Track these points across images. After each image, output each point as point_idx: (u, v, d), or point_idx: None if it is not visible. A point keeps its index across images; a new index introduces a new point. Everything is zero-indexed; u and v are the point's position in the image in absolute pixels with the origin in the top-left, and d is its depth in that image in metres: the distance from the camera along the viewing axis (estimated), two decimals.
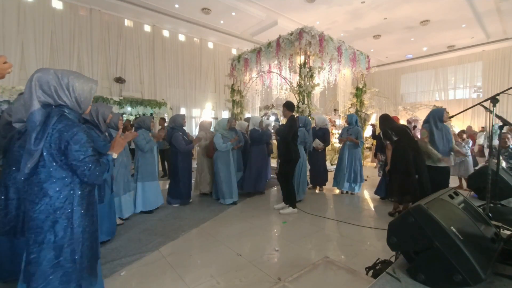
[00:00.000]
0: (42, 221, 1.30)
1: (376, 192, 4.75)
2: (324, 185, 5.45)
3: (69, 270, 1.34)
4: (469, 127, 7.52)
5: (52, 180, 1.32)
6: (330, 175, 5.57)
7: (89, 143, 1.38)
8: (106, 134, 2.84)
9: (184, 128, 4.47)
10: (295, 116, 4.17)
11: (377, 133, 4.76)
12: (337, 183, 5.13)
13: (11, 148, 2.05)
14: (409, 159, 3.49)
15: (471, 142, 5.88)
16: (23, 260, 1.35)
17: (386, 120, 4.01)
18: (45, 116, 1.31)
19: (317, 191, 5.44)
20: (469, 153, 5.66)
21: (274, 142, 6.41)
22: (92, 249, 1.47)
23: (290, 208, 4.04)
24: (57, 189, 1.33)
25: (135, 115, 9.12)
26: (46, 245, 1.30)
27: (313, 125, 5.49)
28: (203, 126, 5.00)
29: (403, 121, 10.63)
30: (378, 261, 1.85)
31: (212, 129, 5.37)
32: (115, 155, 1.56)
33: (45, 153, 1.30)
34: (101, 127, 2.70)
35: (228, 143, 4.35)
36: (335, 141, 8.49)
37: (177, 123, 4.33)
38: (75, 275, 1.36)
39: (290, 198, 4.06)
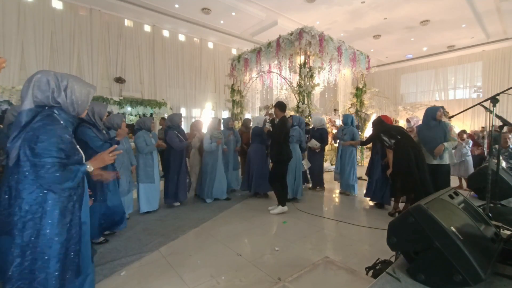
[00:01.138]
0: (15, 222, 1.29)
1: (366, 195, 4.52)
2: (321, 185, 5.45)
3: (39, 275, 1.29)
4: (483, 129, 7.37)
5: (26, 181, 1.30)
6: (327, 176, 5.57)
7: (59, 145, 1.30)
8: (104, 132, 2.83)
9: (182, 127, 4.49)
10: (287, 117, 4.16)
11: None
12: (340, 184, 5.15)
13: None
14: (411, 158, 3.49)
15: (471, 142, 5.88)
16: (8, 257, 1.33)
17: (379, 124, 3.96)
18: (32, 116, 1.31)
19: (316, 190, 5.44)
20: (469, 153, 5.66)
21: None
22: (62, 260, 1.36)
23: (280, 206, 3.99)
24: (29, 191, 1.29)
25: (135, 115, 9.13)
26: (20, 249, 1.28)
27: (311, 125, 5.50)
28: (195, 127, 4.99)
29: (402, 121, 10.63)
30: (378, 261, 1.85)
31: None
32: (90, 168, 1.45)
33: (22, 153, 1.28)
34: (99, 125, 2.69)
35: (213, 144, 4.43)
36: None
37: (174, 122, 4.37)
38: (46, 280, 1.29)
39: (281, 196, 4.04)
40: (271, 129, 4.15)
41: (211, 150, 4.46)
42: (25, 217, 1.27)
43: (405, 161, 3.53)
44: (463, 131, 6.11)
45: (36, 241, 1.28)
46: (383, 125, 3.92)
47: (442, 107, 3.86)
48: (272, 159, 4.11)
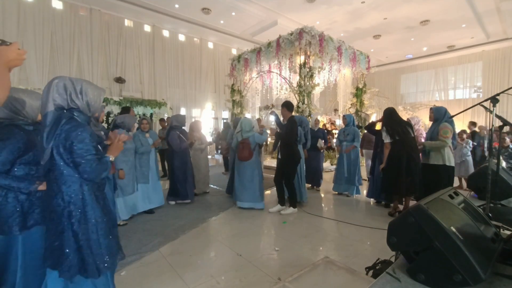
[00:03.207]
0: (60, 213, 1.45)
1: (368, 195, 4.58)
2: (319, 185, 5.45)
3: (87, 254, 1.48)
4: (481, 127, 7.21)
5: (63, 177, 1.46)
6: (328, 175, 5.58)
7: (92, 142, 1.48)
8: (102, 133, 2.83)
9: (184, 128, 4.49)
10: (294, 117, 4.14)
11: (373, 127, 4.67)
12: (337, 186, 5.13)
13: None
14: (403, 161, 3.54)
15: (471, 142, 5.86)
16: (47, 247, 1.50)
17: (388, 116, 3.89)
18: (56, 118, 1.45)
19: (315, 189, 5.44)
20: (469, 153, 5.64)
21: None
22: (108, 236, 1.56)
23: (291, 208, 4.03)
24: (68, 185, 1.46)
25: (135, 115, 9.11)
26: (66, 234, 1.45)
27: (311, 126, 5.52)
28: (196, 127, 4.97)
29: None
30: (378, 261, 1.85)
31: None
32: (112, 158, 1.63)
33: (55, 152, 1.43)
34: (97, 125, 2.67)
35: (265, 132, 4.30)
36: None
37: (179, 123, 4.38)
38: (92, 258, 1.48)
39: (291, 198, 4.05)
40: (277, 130, 4.14)
41: (265, 138, 4.34)
42: (69, 207, 1.45)
43: (396, 162, 3.57)
44: (463, 131, 6.10)
45: (85, 225, 1.48)
46: (392, 120, 3.84)
47: (434, 108, 3.91)
48: (283, 160, 4.02)
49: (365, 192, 5.02)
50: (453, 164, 3.67)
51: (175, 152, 4.26)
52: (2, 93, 0.92)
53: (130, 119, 3.49)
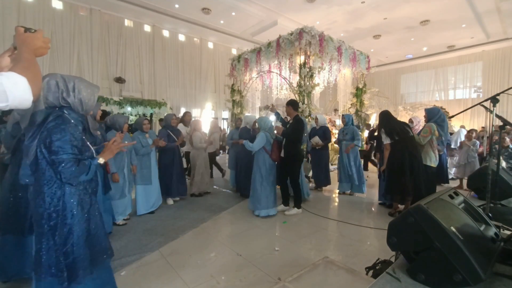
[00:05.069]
0: (41, 215, 1.40)
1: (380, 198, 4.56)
2: (326, 186, 5.43)
3: (67, 259, 1.42)
4: (483, 129, 7.15)
5: (44, 177, 1.40)
6: (332, 176, 5.57)
7: (72, 142, 1.40)
8: (99, 132, 2.81)
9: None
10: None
11: (375, 134, 4.71)
12: (340, 185, 5.13)
13: (20, 147, 2.06)
14: (405, 161, 3.52)
15: (478, 143, 5.79)
16: (34, 252, 1.45)
17: (385, 118, 3.90)
18: (45, 116, 1.40)
19: (318, 190, 5.44)
20: (476, 155, 5.58)
21: None
22: (92, 242, 1.51)
23: (295, 208, 4.00)
24: (48, 185, 1.40)
25: (135, 115, 9.13)
26: (45, 238, 1.40)
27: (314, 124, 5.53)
28: (197, 126, 4.94)
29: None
30: (378, 261, 1.85)
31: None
32: (101, 160, 1.55)
33: (38, 152, 1.38)
34: (90, 125, 2.65)
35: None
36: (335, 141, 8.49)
37: (167, 122, 4.49)
38: (74, 263, 1.43)
39: (297, 198, 4.01)
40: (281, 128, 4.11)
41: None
42: (49, 209, 1.39)
43: (399, 163, 3.56)
44: (473, 130, 5.94)
45: (62, 230, 1.41)
46: (389, 121, 3.84)
47: (434, 108, 3.97)
48: (289, 159, 3.91)
49: (364, 190, 5.02)
50: (429, 164, 3.83)
51: (162, 152, 4.36)
52: (36, 85, 0.77)
53: (121, 118, 3.36)
